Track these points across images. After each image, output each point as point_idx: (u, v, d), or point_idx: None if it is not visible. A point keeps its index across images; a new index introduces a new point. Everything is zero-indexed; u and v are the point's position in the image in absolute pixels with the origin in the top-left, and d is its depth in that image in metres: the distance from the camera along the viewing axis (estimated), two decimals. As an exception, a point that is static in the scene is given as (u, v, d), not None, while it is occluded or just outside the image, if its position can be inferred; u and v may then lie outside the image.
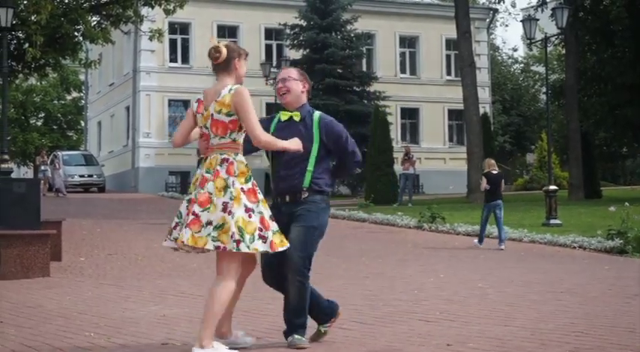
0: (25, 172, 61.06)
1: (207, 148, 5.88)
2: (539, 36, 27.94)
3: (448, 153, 46.03)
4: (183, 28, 41.89)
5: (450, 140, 47.11)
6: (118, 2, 22.08)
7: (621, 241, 16.18)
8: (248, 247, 5.64)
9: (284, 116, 6.42)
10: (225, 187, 5.69)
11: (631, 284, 10.85)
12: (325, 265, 13.05)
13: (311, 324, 6.50)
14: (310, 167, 6.31)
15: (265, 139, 5.90)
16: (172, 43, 42.00)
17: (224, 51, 5.87)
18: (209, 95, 5.88)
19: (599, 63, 36.62)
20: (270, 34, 44.07)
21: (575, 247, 16.88)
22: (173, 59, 42.44)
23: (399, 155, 33.29)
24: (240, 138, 5.85)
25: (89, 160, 42.99)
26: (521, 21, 27.67)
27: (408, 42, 47.09)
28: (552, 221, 21.23)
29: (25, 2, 20.96)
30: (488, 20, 49.69)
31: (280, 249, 5.89)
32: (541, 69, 55.96)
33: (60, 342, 6.65)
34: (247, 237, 5.63)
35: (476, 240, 17.31)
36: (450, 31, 37.36)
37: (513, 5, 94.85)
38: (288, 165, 6.28)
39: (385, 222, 22.47)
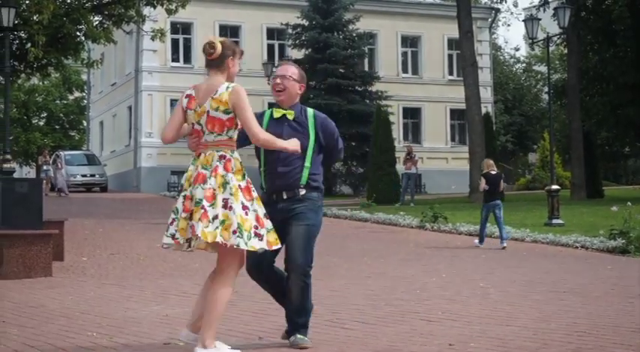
0: (28, 172, 61.08)
1: (198, 145, 5.83)
2: (541, 35, 27.91)
3: (450, 152, 46.00)
4: (185, 28, 41.90)
5: (452, 140, 47.08)
6: (120, 2, 22.07)
7: (623, 241, 16.18)
8: (246, 244, 5.65)
9: (277, 113, 6.39)
10: (224, 183, 5.68)
11: (633, 284, 10.85)
12: (327, 265, 13.06)
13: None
14: (307, 163, 6.31)
15: (264, 137, 5.87)
16: (174, 43, 42.01)
17: (219, 47, 5.83)
18: (201, 91, 5.83)
19: (601, 62, 36.60)
20: (272, 33, 44.06)
21: (577, 247, 16.88)
22: (175, 59, 42.45)
23: (401, 155, 33.26)
24: (235, 135, 5.85)
25: (91, 160, 43.01)
26: (523, 20, 27.68)
27: (410, 41, 47.06)
28: (554, 221, 21.22)
29: (27, 2, 20.96)
30: (490, 20, 49.66)
31: (274, 248, 5.88)
32: (543, 68, 55.98)
33: (62, 342, 6.65)
34: (245, 234, 5.64)
35: (476, 240, 17.32)
36: (452, 30, 37.33)
37: (515, 5, 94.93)
38: (285, 162, 6.25)
39: (387, 221, 22.46)
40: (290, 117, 6.36)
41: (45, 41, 19.81)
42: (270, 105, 6.55)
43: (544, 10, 35.96)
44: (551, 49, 30.58)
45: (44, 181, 31.47)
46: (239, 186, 5.71)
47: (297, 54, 40.74)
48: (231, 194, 5.66)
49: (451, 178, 42.40)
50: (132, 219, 22.22)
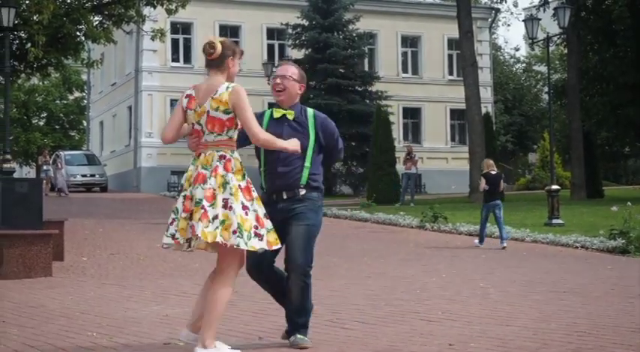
0: (28, 172, 61.08)
1: (198, 145, 5.82)
2: (541, 35, 27.91)
3: (450, 152, 46.00)
4: (185, 28, 41.90)
5: (452, 140, 47.08)
6: (120, 2, 22.07)
7: (623, 241, 16.18)
8: (246, 244, 5.64)
9: (277, 113, 6.39)
10: (224, 183, 5.68)
11: (633, 283, 10.85)
12: (327, 265, 13.06)
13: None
14: (307, 163, 6.31)
15: (264, 138, 5.86)
16: (174, 43, 42.01)
17: (219, 47, 5.82)
18: (201, 91, 5.82)
19: (601, 62, 36.61)
20: (272, 33, 44.06)
21: (577, 247, 16.88)
22: (175, 59, 42.45)
23: (401, 155, 33.27)
24: (235, 135, 5.84)
25: (91, 160, 43.01)
26: (523, 20, 27.68)
27: (410, 41, 47.06)
28: (554, 221, 21.22)
29: (27, 2, 20.96)
30: (490, 20, 49.66)
31: (274, 248, 5.88)
32: (543, 68, 55.99)
33: (62, 342, 6.65)
34: (245, 234, 5.64)
35: (476, 241, 17.32)
36: (452, 30, 37.33)
37: (515, 5, 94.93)
38: (285, 162, 6.24)
39: (387, 221, 22.47)
40: (290, 117, 6.36)
41: (45, 41, 19.81)
42: (271, 105, 6.54)
43: (544, 10, 35.97)
44: (551, 49, 30.58)
45: (44, 181, 31.47)
46: (239, 186, 5.71)
47: (297, 54, 40.73)
48: (231, 194, 5.66)
49: (451, 178, 42.40)
50: (132, 219, 22.23)
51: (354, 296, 9.46)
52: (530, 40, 26.05)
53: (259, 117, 6.25)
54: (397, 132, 42.16)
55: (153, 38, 22.67)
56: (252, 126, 5.78)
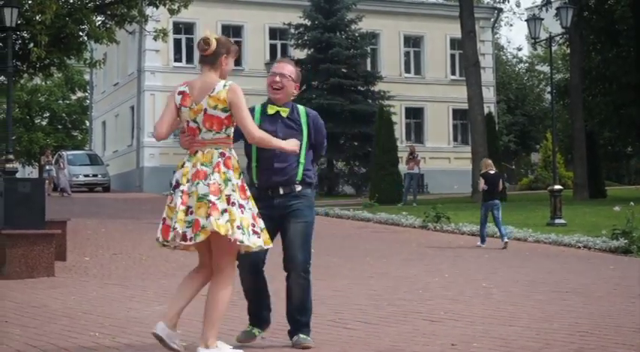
0: (30, 172, 61.13)
1: (192, 143, 5.78)
2: (543, 35, 27.90)
3: (453, 152, 45.99)
4: (187, 28, 41.91)
5: (455, 139, 47.07)
6: (123, 2, 22.11)
7: (626, 241, 16.16)
8: (248, 240, 5.65)
9: (271, 110, 6.37)
10: (227, 180, 5.67)
11: (636, 284, 10.84)
12: (329, 265, 13.06)
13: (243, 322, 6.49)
14: (302, 159, 6.33)
15: (259, 136, 5.84)
16: (177, 43, 42.01)
17: (213, 44, 5.79)
18: (196, 89, 5.77)
19: (604, 62, 36.59)
20: (274, 33, 44.06)
21: (579, 247, 16.86)
22: (178, 59, 42.46)
23: (403, 154, 33.28)
24: (232, 133, 5.83)
25: (94, 160, 43.03)
26: (525, 20, 27.62)
27: (413, 41, 47.06)
28: (557, 220, 21.20)
29: (29, 2, 20.99)
30: (492, 20, 49.63)
31: (266, 247, 5.86)
32: (546, 68, 55.90)
33: (65, 342, 6.66)
34: (246, 231, 5.64)
35: (479, 242, 17.29)
36: (455, 30, 37.33)
37: (518, 5, 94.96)
38: (280, 158, 6.24)
39: (390, 221, 22.45)
40: (284, 114, 6.35)
41: (47, 41, 19.84)
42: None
43: (546, 10, 35.93)
44: (553, 48, 30.55)
45: (47, 181, 31.52)
46: (237, 184, 5.72)
47: (300, 54, 40.71)
48: (233, 190, 5.66)
49: (453, 178, 42.39)
50: (134, 218, 22.22)
51: (357, 296, 9.46)
52: (533, 40, 26.02)
53: (250, 112, 6.24)
54: (400, 132, 42.16)
55: (155, 38, 22.71)
56: (248, 124, 5.76)
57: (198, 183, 5.65)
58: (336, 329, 7.21)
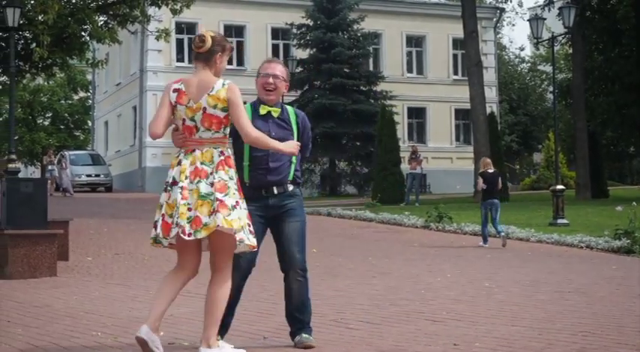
0: (33, 172, 61.16)
1: (186, 141, 5.72)
2: (546, 35, 27.90)
3: (455, 152, 45.99)
4: (189, 28, 41.91)
5: (457, 139, 47.08)
6: (125, 2, 22.12)
7: (628, 241, 16.15)
8: (248, 239, 5.66)
9: (263, 110, 6.35)
10: (230, 178, 5.67)
11: (638, 284, 10.83)
12: (332, 265, 13.06)
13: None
14: (293, 159, 6.33)
15: (256, 136, 5.80)
16: (179, 43, 42.02)
17: (208, 41, 5.74)
18: (192, 86, 5.72)
19: (607, 62, 36.57)
20: (276, 33, 44.08)
21: (582, 247, 16.86)
22: (180, 59, 42.48)
23: (405, 154, 33.28)
24: (228, 132, 5.81)
25: (96, 160, 43.06)
26: (528, 20, 27.62)
27: (415, 41, 47.07)
28: (559, 220, 21.20)
29: (32, 2, 21.00)
30: (495, 19, 49.64)
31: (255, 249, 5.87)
32: (548, 68, 55.90)
33: (67, 342, 6.66)
34: (246, 230, 5.65)
35: (481, 242, 17.29)
36: (457, 30, 37.33)
37: (520, 4, 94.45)
38: (274, 158, 6.23)
39: (392, 221, 22.46)
40: (275, 114, 6.35)
41: (50, 41, 19.85)
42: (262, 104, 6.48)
43: (549, 10, 35.93)
44: (556, 48, 30.53)
45: (49, 181, 31.54)
46: (236, 183, 5.73)
47: (302, 54, 40.75)
48: (235, 189, 5.66)
49: (456, 178, 42.39)
50: (137, 218, 22.22)
51: (359, 296, 9.46)
52: (535, 40, 26.00)
53: None
54: (402, 132, 42.17)
55: (158, 38, 22.72)
56: (245, 124, 5.74)
57: (199, 182, 5.62)
58: (338, 329, 7.21)
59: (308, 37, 40.60)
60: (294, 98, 38.63)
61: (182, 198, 5.60)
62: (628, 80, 34.63)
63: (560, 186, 22.16)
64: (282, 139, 6.07)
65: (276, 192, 6.28)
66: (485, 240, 17.11)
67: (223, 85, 5.71)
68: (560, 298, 9.26)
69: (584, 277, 11.58)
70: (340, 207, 26.16)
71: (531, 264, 13.57)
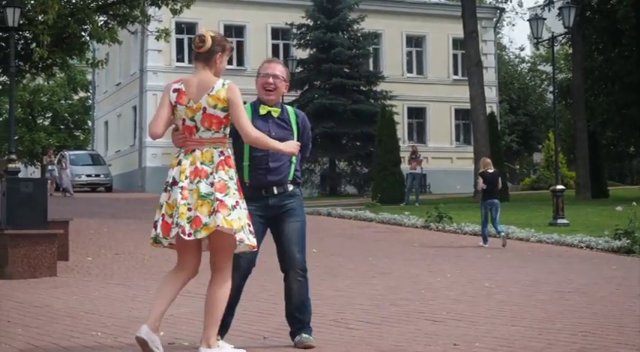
0: (33, 172, 61.16)
1: (186, 141, 5.71)
2: (546, 35, 27.89)
3: (455, 152, 46.00)
4: (189, 28, 41.91)
5: (457, 139, 47.08)
6: (125, 2, 22.12)
7: (628, 241, 16.15)
8: (248, 239, 5.66)
9: (263, 110, 6.34)
10: (230, 178, 5.67)
11: (638, 284, 10.83)
12: (332, 265, 13.06)
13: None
14: (293, 159, 6.33)
15: (256, 136, 5.79)
16: (179, 43, 42.03)
17: (208, 41, 5.73)
18: (192, 86, 5.71)
19: (607, 62, 36.57)
20: (276, 33, 44.08)
21: (582, 247, 16.86)
22: (180, 59, 42.49)
23: (405, 154, 33.29)
24: (228, 132, 5.80)
25: (96, 160, 43.06)
26: (528, 20, 27.62)
27: (415, 41, 47.07)
28: (559, 220, 21.20)
29: (32, 2, 21.00)
30: (495, 19, 49.65)
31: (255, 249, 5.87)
32: (548, 68, 55.91)
33: (67, 342, 6.66)
34: (246, 230, 5.65)
35: (481, 242, 17.29)
36: (457, 30, 37.34)
37: (520, 4, 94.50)
38: (275, 158, 6.22)
39: (392, 221, 22.46)
40: (275, 114, 6.34)
41: (50, 41, 19.85)
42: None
43: (549, 10, 35.93)
44: (556, 48, 30.53)
45: (49, 181, 31.54)
46: (236, 183, 5.73)
47: (302, 54, 40.76)
48: (235, 189, 5.66)
49: (456, 178, 42.40)
50: (137, 218, 22.22)
51: (359, 296, 9.46)
52: (535, 40, 26.00)
53: None
54: (402, 132, 42.18)
55: (158, 38, 22.72)
56: (246, 124, 5.73)
57: (199, 182, 5.61)
58: (338, 329, 7.21)
59: (308, 37, 40.60)
60: (294, 98, 38.63)
61: (182, 198, 5.59)
62: (628, 80, 34.63)
63: (560, 186, 22.17)
64: (282, 139, 6.06)
65: (276, 192, 6.27)
66: (485, 240, 17.11)
67: (223, 84, 5.70)
68: (560, 298, 9.26)
69: (584, 277, 11.58)
70: (340, 207, 26.16)
71: (531, 264, 13.58)
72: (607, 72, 36.57)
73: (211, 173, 5.63)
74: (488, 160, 18.04)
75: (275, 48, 43.90)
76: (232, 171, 5.69)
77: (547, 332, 6.89)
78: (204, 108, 5.67)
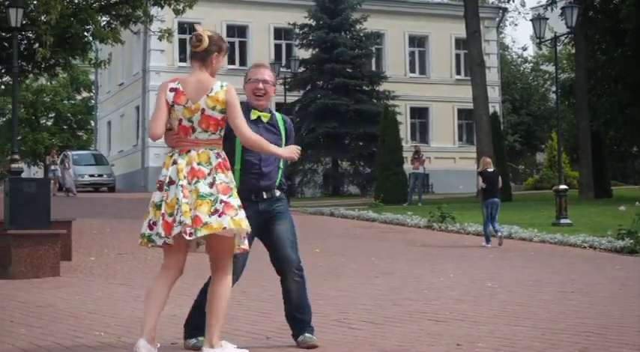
0: (36, 172, 61.21)
1: (180, 141, 5.66)
2: (548, 35, 27.87)
3: (458, 152, 45.98)
4: (192, 28, 41.75)
5: (460, 139, 47.07)
6: (128, 2, 22.11)
7: (632, 241, 16.14)
8: (242, 243, 5.68)
9: (253, 115, 6.30)
10: (230, 181, 5.67)
11: (641, 283, 10.83)
12: (335, 265, 13.07)
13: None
14: (281, 165, 6.34)
15: (254, 138, 5.75)
16: (182, 43, 42.01)
17: (205, 41, 5.71)
18: (190, 86, 5.67)
19: (609, 62, 36.53)
20: (279, 33, 44.09)
21: (585, 247, 16.85)
22: (182, 59, 42.45)
23: (408, 154, 33.28)
24: (223, 134, 5.77)
25: (99, 160, 43.07)
26: (530, 20, 27.61)
27: (418, 41, 47.06)
28: (562, 220, 21.19)
29: (35, 2, 21.00)
30: (497, 19, 49.64)
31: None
32: (551, 68, 55.86)
33: (70, 342, 6.66)
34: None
35: (484, 242, 17.28)
36: (460, 30, 37.32)
37: (523, 4, 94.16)
38: (267, 163, 6.23)
39: (395, 221, 22.45)
40: (265, 119, 6.33)
41: (53, 41, 19.84)
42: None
43: (552, 10, 35.88)
44: (558, 48, 30.53)
45: (52, 181, 31.53)
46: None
47: (305, 54, 40.76)
48: (236, 192, 5.66)
49: (459, 178, 42.40)
50: (139, 218, 22.04)
51: (362, 296, 9.46)
52: (538, 40, 26.01)
53: None
54: (405, 131, 42.17)
55: (160, 38, 22.70)
56: (243, 126, 5.69)
57: (197, 182, 5.57)
58: (341, 329, 7.21)
59: (310, 37, 40.60)
60: (296, 98, 38.67)
61: (184, 197, 5.56)
62: (631, 80, 34.59)
63: (563, 186, 22.15)
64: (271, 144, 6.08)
65: (265, 196, 6.28)
66: (487, 240, 17.11)
67: (222, 86, 5.67)
68: (563, 298, 9.26)
69: (587, 277, 11.57)
70: (343, 207, 26.16)
71: (534, 264, 13.57)
72: (610, 72, 36.53)
73: (209, 173, 5.60)
74: (488, 159, 18.06)
75: (277, 48, 43.91)
76: (230, 174, 5.68)
77: (550, 333, 6.88)
78: (203, 110, 5.62)
